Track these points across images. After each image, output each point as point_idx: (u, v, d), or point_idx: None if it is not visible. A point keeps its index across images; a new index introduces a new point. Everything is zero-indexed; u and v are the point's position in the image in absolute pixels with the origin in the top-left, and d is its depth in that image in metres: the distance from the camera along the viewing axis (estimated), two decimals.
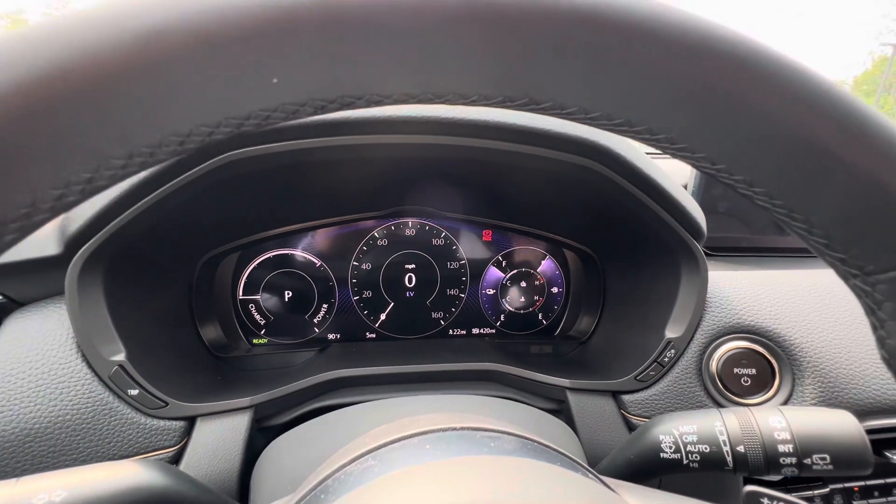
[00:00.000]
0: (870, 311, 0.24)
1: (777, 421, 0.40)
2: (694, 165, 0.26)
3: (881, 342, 0.24)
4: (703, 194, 0.80)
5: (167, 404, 0.52)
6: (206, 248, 0.70)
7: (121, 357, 0.51)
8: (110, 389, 0.50)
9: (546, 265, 0.83)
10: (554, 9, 0.18)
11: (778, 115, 0.21)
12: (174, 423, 0.53)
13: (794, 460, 0.38)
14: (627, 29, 0.19)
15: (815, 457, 0.38)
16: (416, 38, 0.19)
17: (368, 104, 0.23)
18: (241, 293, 0.75)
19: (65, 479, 0.33)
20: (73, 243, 0.49)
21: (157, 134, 0.19)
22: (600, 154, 0.53)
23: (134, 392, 0.51)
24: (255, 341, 0.76)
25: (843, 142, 0.21)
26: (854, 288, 0.25)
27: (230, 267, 0.74)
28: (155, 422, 0.52)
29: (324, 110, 0.23)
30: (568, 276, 0.83)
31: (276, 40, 0.18)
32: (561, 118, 0.25)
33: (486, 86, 0.22)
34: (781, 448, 0.39)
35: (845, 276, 0.25)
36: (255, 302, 0.76)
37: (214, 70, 0.18)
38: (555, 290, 0.83)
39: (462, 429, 0.27)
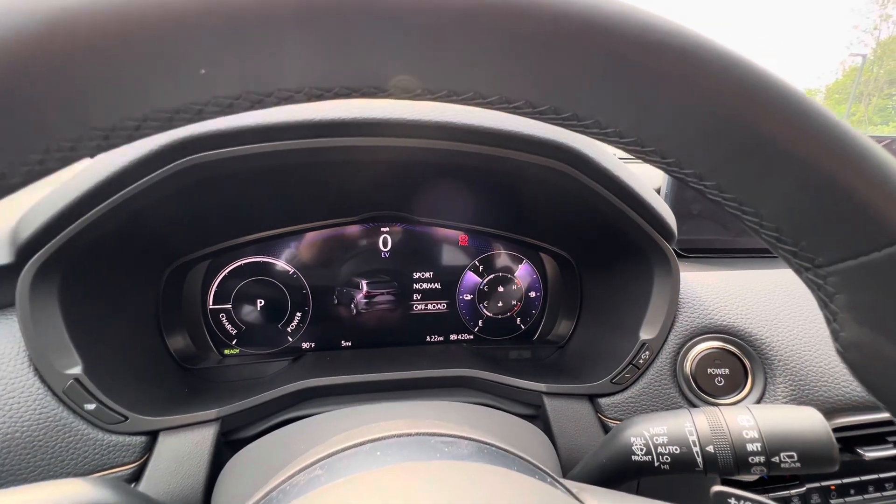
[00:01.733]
0: (823, 305, 0.24)
1: (745, 420, 0.40)
2: (645, 160, 0.26)
3: (835, 335, 0.24)
4: (677, 197, 0.81)
5: (127, 418, 0.50)
6: (175, 255, 0.68)
7: (76, 370, 0.49)
8: (64, 404, 0.48)
9: (523, 270, 0.82)
10: (504, 4, 0.18)
11: (723, 107, 0.21)
12: (134, 438, 0.51)
13: (762, 459, 0.38)
14: (571, 22, 0.18)
15: (782, 455, 0.38)
16: (347, 29, 0.18)
17: (308, 98, 0.22)
18: (211, 302, 0.73)
19: (6, 500, 0.31)
20: (24, 251, 0.47)
21: (78, 128, 0.18)
22: (570, 157, 0.53)
23: (90, 406, 0.49)
24: (226, 352, 0.74)
25: (788, 134, 0.21)
26: (807, 281, 0.25)
27: (200, 275, 0.72)
28: (113, 437, 0.50)
29: (261, 104, 0.22)
30: (545, 280, 0.83)
31: (199, 27, 0.17)
32: (509, 112, 0.24)
33: (433, 80, 0.21)
34: (750, 447, 0.39)
35: (798, 270, 0.25)
36: (226, 311, 0.74)
37: (133, 60, 0.17)
38: (532, 294, 0.83)
39: (417, 434, 0.26)
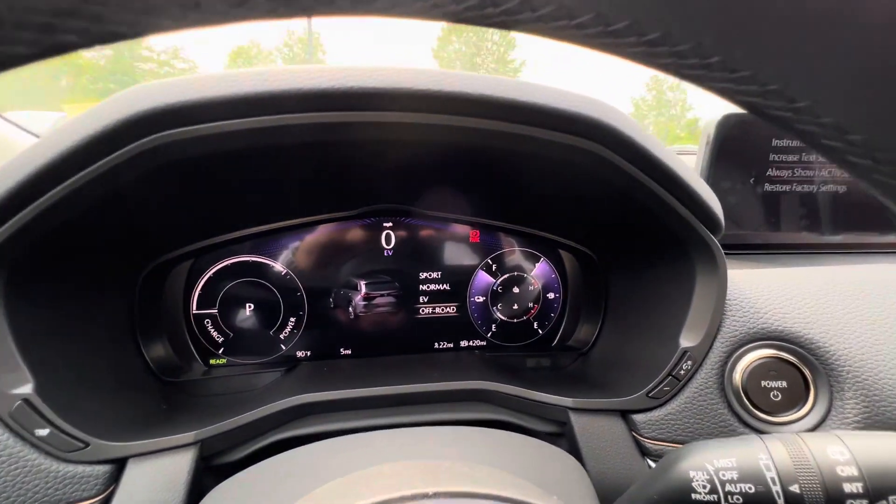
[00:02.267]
0: None
1: (838, 451, 0.32)
2: (754, 109, 0.18)
3: None
4: (711, 186, 0.73)
5: (87, 445, 0.43)
6: (153, 254, 0.61)
7: (27, 389, 0.41)
8: (11, 430, 0.41)
9: (540, 268, 0.75)
10: None
11: None
12: (97, 467, 0.43)
13: (864, 503, 0.30)
14: None
15: (892, 499, 0.30)
16: None
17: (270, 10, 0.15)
18: (194, 307, 0.65)
19: None
20: None
21: None
22: (600, 133, 0.46)
23: (43, 432, 0.41)
24: (212, 362, 0.67)
25: None
26: None
27: (182, 276, 0.64)
28: (71, 467, 0.42)
29: (199, 15, 0.15)
30: (565, 279, 0.75)
31: None
32: (569, 38, 0.17)
33: None
34: (847, 487, 0.31)
35: None
36: (212, 317, 0.66)
37: None
38: (551, 295, 0.75)
39: (436, 495, 0.19)
